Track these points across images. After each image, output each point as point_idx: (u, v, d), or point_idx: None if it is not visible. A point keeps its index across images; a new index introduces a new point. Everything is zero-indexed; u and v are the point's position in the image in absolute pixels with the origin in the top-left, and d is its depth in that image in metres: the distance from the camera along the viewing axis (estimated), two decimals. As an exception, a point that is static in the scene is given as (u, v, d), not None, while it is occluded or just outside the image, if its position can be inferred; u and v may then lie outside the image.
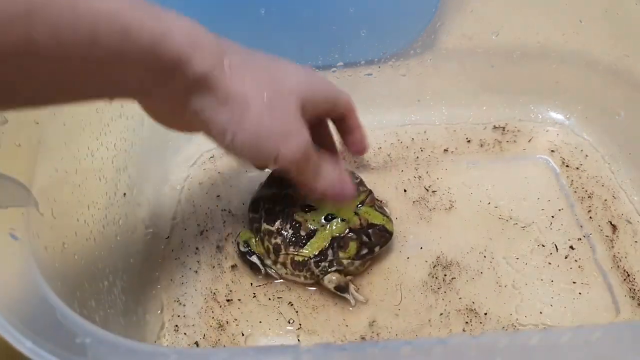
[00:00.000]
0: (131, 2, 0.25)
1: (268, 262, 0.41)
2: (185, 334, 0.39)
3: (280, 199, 0.42)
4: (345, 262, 0.40)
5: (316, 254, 0.39)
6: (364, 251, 0.40)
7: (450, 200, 0.47)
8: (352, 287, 0.41)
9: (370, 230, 0.40)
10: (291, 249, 0.40)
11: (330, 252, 0.40)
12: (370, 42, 0.51)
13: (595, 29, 0.50)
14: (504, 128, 0.52)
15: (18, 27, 0.21)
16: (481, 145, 0.51)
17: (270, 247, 0.40)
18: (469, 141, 0.51)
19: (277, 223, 0.41)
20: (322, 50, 0.51)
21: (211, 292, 0.41)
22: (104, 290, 0.35)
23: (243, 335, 0.39)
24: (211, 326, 0.40)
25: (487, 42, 0.52)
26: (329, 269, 0.40)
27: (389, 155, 0.50)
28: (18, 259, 0.27)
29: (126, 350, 0.23)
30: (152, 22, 0.26)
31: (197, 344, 0.39)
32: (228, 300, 0.41)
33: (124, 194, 0.42)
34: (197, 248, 0.44)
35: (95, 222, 0.37)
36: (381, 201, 0.46)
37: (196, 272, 0.43)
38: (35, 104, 0.26)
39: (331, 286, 0.40)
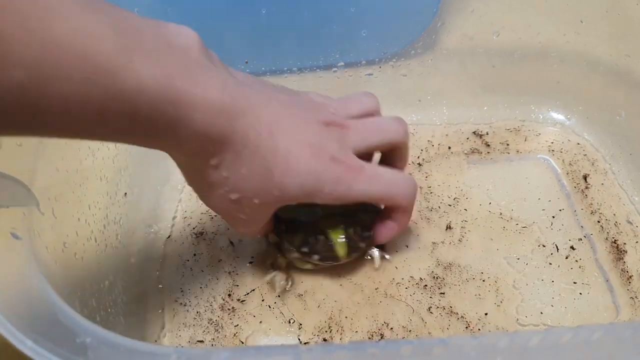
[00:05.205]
0: (154, 78, 0.24)
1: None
2: (186, 333, 0.39)
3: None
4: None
5: (347, 252, 0.39)
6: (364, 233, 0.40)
7: (451, 200, 0.47)
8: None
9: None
10: (327, 262, 0.40)
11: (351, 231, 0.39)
12: (371, 42, 0.51)
13: (596, 29, 0.50)
14: (504, 128, 0.52)
15: (27, 97, 0.21)
16: (482, 146, 0.51)
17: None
18: (469, 141, 0.51)
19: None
20: (322, 50, 0.51)
21: (212, 292, 0.41)
22: (105, 289, 0.35)
23: (243, 335, 0.39)
24: (212, 326, 0.40)
25: (488, 42, 0.52)
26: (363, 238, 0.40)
27: (389, 155, 0.50)
28: (19, 258, 0.27)
29: (127, 349, 0.23)
30: (166, 110, 0.25)
31: (198, 343, 0.39)
32: (229, 300, 0.41)
33: (125, 193, 0.42)
34: (198, 248, 0.44)
35: (96, 222, 0.37)
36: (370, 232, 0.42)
37: (197, 272, 0.43)
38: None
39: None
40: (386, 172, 0.37)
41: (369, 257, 0.42)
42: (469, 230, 0.44)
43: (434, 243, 0.44)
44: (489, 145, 0.51)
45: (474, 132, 0.52)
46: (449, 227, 0.45)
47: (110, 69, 0.23)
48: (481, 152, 0.50)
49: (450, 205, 0.46)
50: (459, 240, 0.44)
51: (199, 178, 0.31)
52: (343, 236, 0.39)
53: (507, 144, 0.51)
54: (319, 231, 0.39)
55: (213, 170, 0.30)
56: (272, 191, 0.32)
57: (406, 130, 0.38)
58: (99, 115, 0.24)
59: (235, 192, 0.31)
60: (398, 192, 0.37)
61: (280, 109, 0.32)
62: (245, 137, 0.29)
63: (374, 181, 0.35)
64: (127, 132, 0.26)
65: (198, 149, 0.29)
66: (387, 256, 0.42)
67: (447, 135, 0.52)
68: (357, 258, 0.41)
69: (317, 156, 0.32)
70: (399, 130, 0.38)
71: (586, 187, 0.47)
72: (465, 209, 0.46)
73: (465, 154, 0.50)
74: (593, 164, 0.49)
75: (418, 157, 0.50)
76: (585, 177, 0.48)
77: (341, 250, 0.38)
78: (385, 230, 0.40)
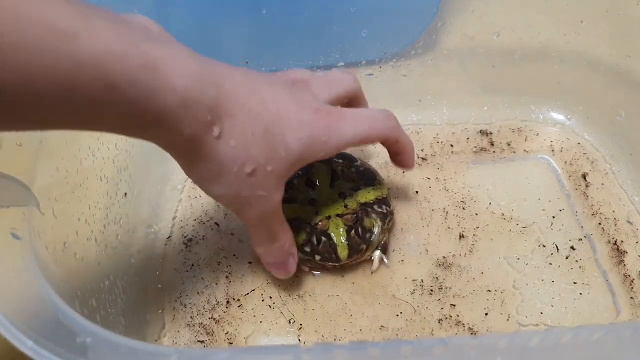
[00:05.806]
0: (122, 43, 0.23)
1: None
2: (186, 333, 0.39)
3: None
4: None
5: (349, 253, 0.39)
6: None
7: (451, 200, 0.47)
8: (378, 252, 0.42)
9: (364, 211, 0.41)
10: (329, 264, 0.40)
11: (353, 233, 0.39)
12: (371, 42, 0.51)
13: (597, 29, 0.50)
14: (505, 128, 0.52)
15: None
16: (482, 146, 0.51)
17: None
18: (469, 141, 0.51)
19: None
20: (322, 50, 0.51)
21: (212, 292, 0.42)
22: (105, 289, 0.35)
23: (243, 335, 0.39)
24: (212, 326, 0.40)
25: (488, 42, 0.52)
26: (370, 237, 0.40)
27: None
28: (19, 258, 0.27)
29: (127, 349, 0.23)
30: (144, 75, 0.24)
31: (198, 343, 0.39)
32: (228, 301, 0.41)
33: (125, 193, 0.42)
34: (198, 248, 0.44)
35: (96, 222, 0.37)
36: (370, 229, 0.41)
37: (197, 272, 0.43)
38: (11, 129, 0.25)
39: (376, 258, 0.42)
40: (361, 110, 0.39)
41: (372, 257, 0.42)
42: (469, 231, 0.44)
43: (434, 243, 0.44)
44: (490, 145, 0.51)
45: (475, 132, 0.52)
46: (448, 228, 0.45)
47: (71, 33, 0.22)
48: (481, 152, 0.50)
49: (449, 205, 0.46)
50: (460, 240, 0.44)
51: (207, 161, 0.30)
52: (344, 238, 0.39)
53: (507, 144, 0.51)
54: (321, 232, 0.39)
55: (218, 141, 0.29)
56: (278, 151, 0.31)
57: (356, 78, 0.39)
58: (69, 90, 0.22)
59: (249, 162, 0.31)
60: (382, 122, 0.37)
61: (246, 75, 0.32)
62: (235, 100, 0.29)
63: (357, 120, 0.35)
64: (106, 110, 0.24)
65: (193, 118, 0.27)
66: (385, 260, 0.42)
67: (447, 135, 0.52)
68: (358, 260, 0.41)
69: (302, 108, 0.32)
70: (348, 78, 0.39)
71: (586, 186, 0.47)
72: (465, 209, 0.46)
73: (466, 153, 0.50)
74: (593, 164, 0.49)
75: (418, 157, 0.50)
76: (584, 176, 0.48)
77: (343, 252, 0.39)
78: (402, 160, 0.40)
